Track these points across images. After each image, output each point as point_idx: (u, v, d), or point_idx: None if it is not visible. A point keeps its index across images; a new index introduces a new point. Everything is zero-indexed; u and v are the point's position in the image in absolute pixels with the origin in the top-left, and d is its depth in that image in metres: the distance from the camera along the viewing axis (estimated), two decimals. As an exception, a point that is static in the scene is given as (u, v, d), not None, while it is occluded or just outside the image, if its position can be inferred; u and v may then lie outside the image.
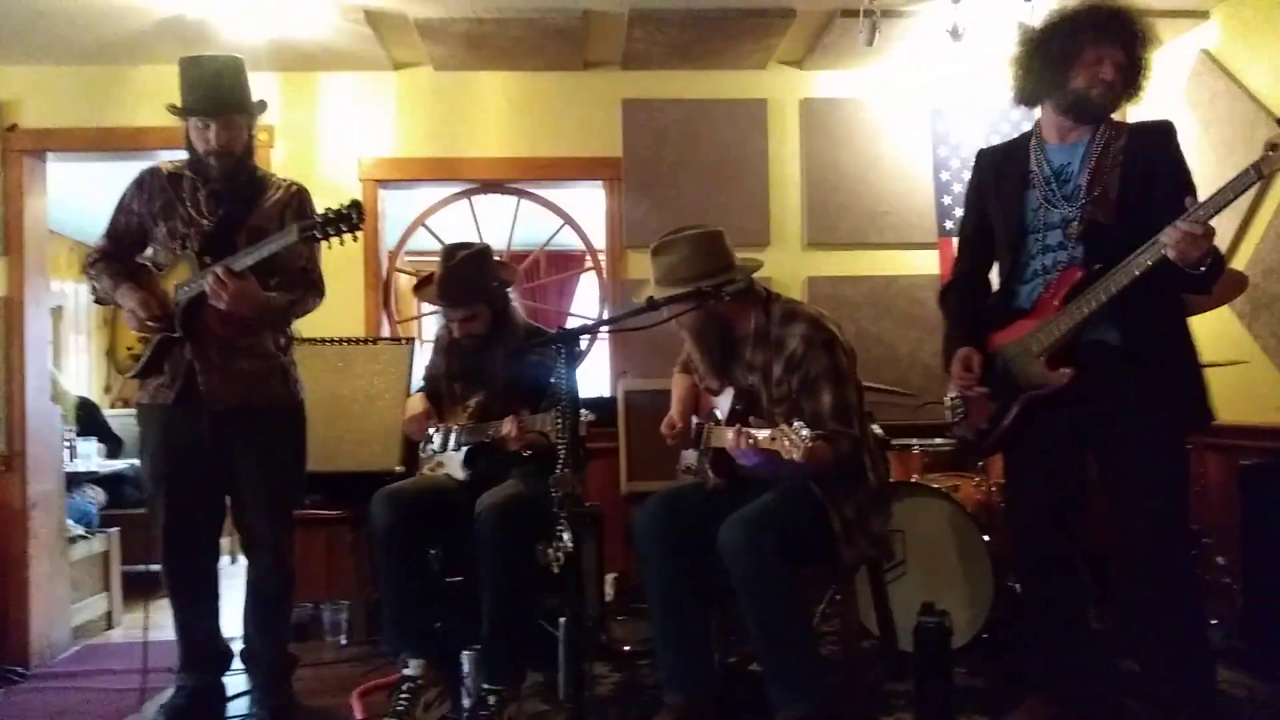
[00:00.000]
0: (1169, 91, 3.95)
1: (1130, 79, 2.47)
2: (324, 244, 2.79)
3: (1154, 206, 2.36)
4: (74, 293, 6.88)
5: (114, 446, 5.53)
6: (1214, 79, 3.77)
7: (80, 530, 4.38)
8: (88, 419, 5.55)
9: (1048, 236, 2.53)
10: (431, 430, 3.27)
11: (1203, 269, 2.23)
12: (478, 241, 3.25)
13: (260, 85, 2.98)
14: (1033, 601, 2.74)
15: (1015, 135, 2.79)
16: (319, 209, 2.80)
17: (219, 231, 2.87)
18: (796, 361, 2.64)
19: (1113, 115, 2.53)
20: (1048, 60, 2.50)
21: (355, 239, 2.76)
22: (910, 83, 4.45)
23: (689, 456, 2.97)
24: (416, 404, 3.31)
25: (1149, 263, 2.27)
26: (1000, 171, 2.67)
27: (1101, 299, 2.36)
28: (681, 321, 2.72)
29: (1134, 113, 3.17)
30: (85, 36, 3.88)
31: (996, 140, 2.94)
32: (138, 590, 4.22)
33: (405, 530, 2.96)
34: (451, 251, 3.16)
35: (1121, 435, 2.44)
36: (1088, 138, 2.50)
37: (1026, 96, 2.61)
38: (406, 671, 2.87)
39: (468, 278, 3.12)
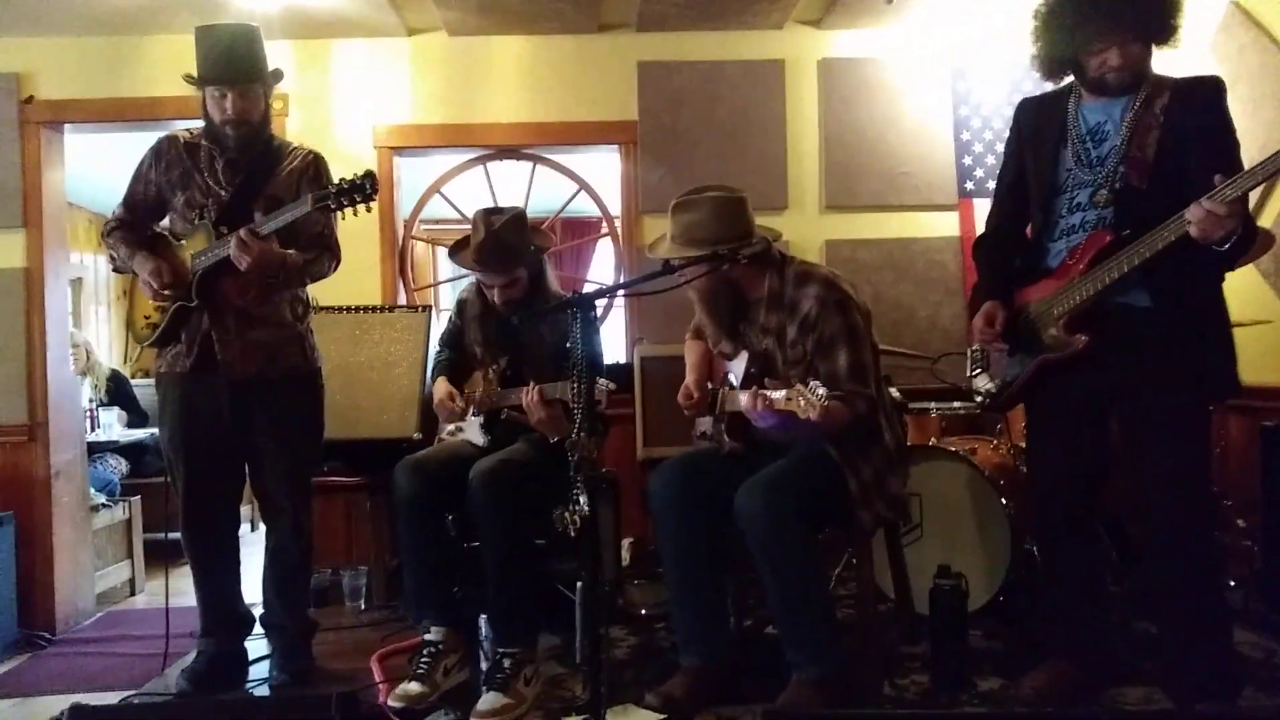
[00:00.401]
0: (1196, 44, 3.84)
1: (1156, 39, 2.41)
2: (338, 214, 2.79)
3: (1192, 170, 2.29)
4: (93, 264, 6.93)
5: (139, 420, 5.58)
6: (1243, 31, 3.67)
7: (103, 499, 4.45)
8: (117, 391, 5.61)
9: (1078, 195, 2.49)
10: (459, 409, 3.23)
11: (1226, 246, 2.19)
12: (511, 206, 3.20)
13: (274, 53, 2.96)
14: (1050, 567, 2.73)
15: (1037, 94, 2.73)
16: (335, 178, 2.79)
17: (236, 201, 2.87)
18: (811, 323, 2.62)
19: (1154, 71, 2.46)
20: (1058, 50, 2.46)
21: (369, 210, 2.75)
22: (931, 42, 4.37)
23: (704, 422, 2.96)
24: (440, 389, 3.24)
25: (1171, 238, 2.23)
26: (1037, 125, 2.62)
27: (1124, 268, 2.33)
28: (692, 285, 2.70)
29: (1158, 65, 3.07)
30: (100, 7, 3.87)
31: (1019, 99, 2.88)
32: (160, 557, 4.26)
33: (428, 501, 2.96)
34: (489, 216, 3.09)
35: (1145, 403, 2.41)
36: (1127, 96, 2.44)
37: (1048, 72, 2.56)
38: (428, 637, 2.90)
39: (511, 242, 3.05)
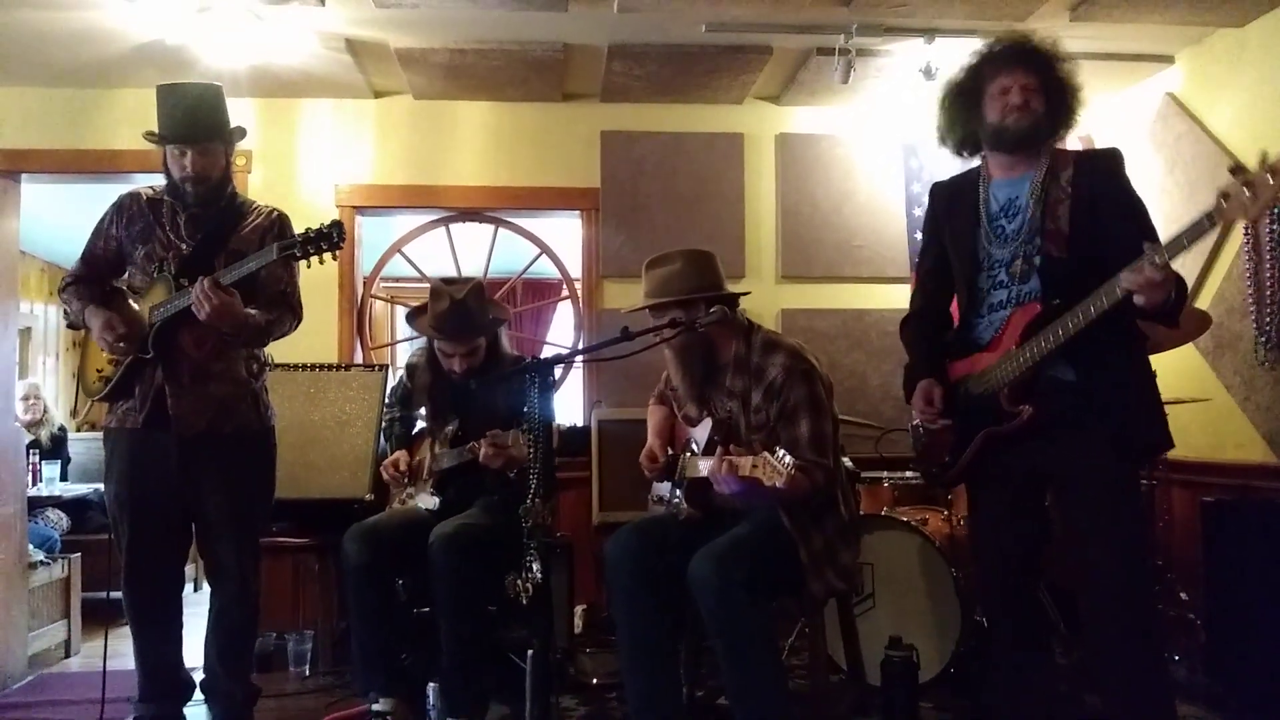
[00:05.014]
0: (1135, 132, 4.03)
1: (1055, 103, 2.45)
2: (303, 264, 2.79)
3: (1105, 237, 2.35)
4: (44, 314, 6.82)
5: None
6: (1178, 121, 3.86)
7: (41, 556, 4.30)
8: (56, 446, 5.47)
9: (1000, 272, 2.52)
10: (405, 480, 3.26)
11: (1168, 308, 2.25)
12: (466, 277, 3.25)
13: (239, 111, 2.99)
14: (998, 640, 2.75)
15: (948, 178, 2.76)
16: (298, 230, 2.80)
17: (197, 254, 2.86)
18: (776, 390, 2.66)
19: (1062, 145, 2.53)
20: (960, 103, 2.53)
21: (334, 258, 2.76)
22: (884, 120, 4.52)
23: (661, 487, 2.96)
24: (390, 467, 3.29)
25: (1106, 306, 2.27)
26: (951, 207, 2.65)
27: (1060, 337, 2.35)
28: (668, 342, 2.74)
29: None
30: (63, 58, 3.88)
31: (971, 176, 2.95)
32: (98, 618, 4.13)
33: (379, 568, 2.93)
34: (450, 285, 3.13)
35: (1078, 476, 2.44)
36: (1033, 171, 2.49)
37: (957, 145, 2.61)
38: (376, 708, 2.84)
39: (473, 312, 3.09)
